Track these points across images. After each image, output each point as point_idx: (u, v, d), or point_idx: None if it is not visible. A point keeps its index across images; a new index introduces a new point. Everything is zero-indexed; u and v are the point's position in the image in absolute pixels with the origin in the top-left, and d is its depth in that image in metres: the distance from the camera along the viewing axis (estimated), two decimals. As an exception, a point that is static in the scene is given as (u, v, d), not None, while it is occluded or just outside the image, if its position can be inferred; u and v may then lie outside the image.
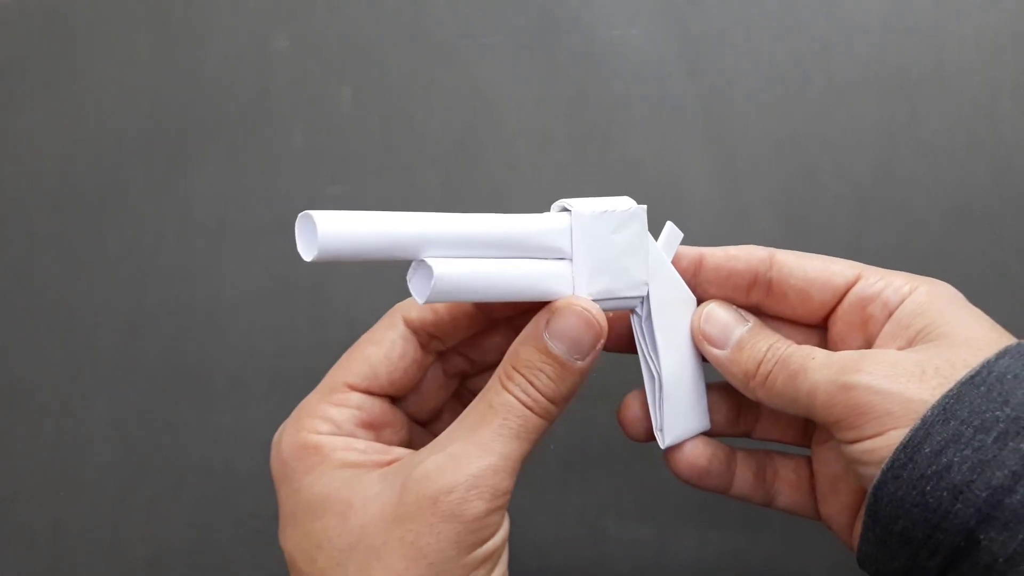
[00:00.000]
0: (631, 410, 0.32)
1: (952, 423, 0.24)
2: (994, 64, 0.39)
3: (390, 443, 0.30)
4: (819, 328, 0.31)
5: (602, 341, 0.28)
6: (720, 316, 0.30)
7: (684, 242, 0.31)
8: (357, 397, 0.29)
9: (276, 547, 0.40)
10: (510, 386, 0.27)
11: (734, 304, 0.31)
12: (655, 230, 0.30)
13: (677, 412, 0.31)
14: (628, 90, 0.41)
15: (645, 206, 0.30)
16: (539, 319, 0.28)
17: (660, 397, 0.31)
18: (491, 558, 0.27)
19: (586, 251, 0.28)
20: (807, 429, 0.33)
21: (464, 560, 0.26)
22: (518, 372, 0.27)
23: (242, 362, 0.40)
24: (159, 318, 0.41)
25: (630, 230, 0.29)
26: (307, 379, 0.40)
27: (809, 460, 0.32)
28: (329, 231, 0.24)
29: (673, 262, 0.31)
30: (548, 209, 0.29)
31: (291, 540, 0.28)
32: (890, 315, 0.29)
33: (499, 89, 0.41)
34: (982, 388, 0.24)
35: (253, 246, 0.41)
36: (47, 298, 0.41)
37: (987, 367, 0.25)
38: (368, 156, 0.41)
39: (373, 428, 0.30)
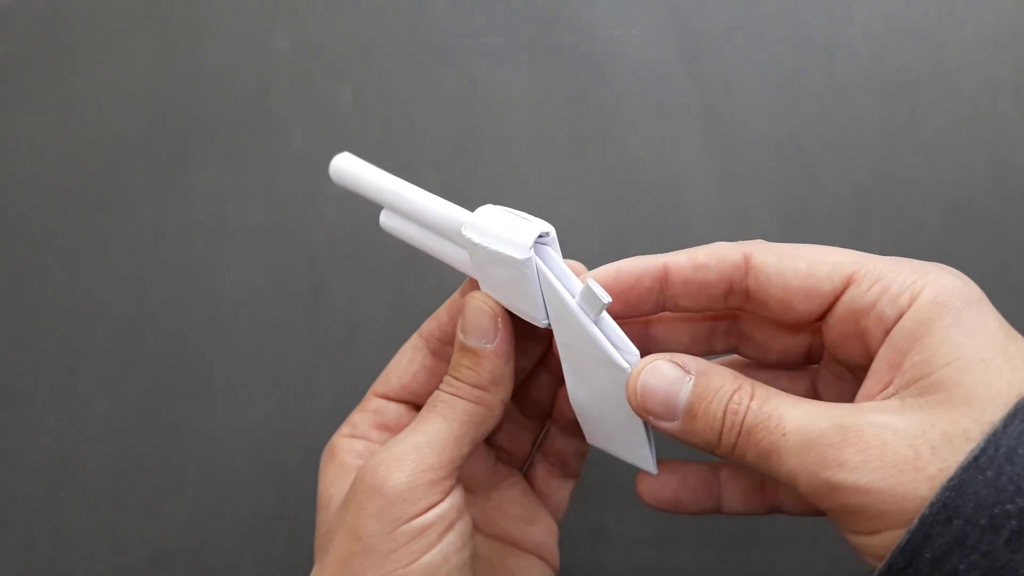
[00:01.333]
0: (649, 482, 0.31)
1: (955, 523, 0.21)
2: (994, 64, 0.39)
3: None
4: (812, 330, 0.29)
5: (501, 319, 0.28)
6: (658, 384, 0.26)
7: (682, 243, 0.29)
8: (376, 402, 0.32)
9: (276, 547, 0.40)
10: (441, 386, 0.29)
11: (710, 310, 0.29)
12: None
13: (595, 427, 0.30)
14: (628, 90, 0.41)
15: (528, 256, 0.26)
16: (458, 326, 0.29)
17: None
18: (423, 534, 0.26)
19: (477, 263, 0.28)
20: None
21: (393, 534, 0.26)
22: (448, 374, 0.29)
23: (242, 362, 0.40)
24: (159, 318, 0.41)
25: (507, 269, 0.27)
26: (307, 379, 0.40)
27: None
28: (341, 164, 0.32)
29: (633, 283, 0.28)
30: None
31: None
32: (887, 332, 0.25)
33: (499, 89, 0.41)
34: (988, 473, 0.21)
35: (253, 246, 0.41)
36: (47, 298, 0.41)
37: (993, 441, 0.21)
38: (368, 156, 0.41)
39: (388, 429, 0.32)
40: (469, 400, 0.28)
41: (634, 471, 0.32)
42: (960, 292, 0.24)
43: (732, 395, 0.25)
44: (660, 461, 0.30)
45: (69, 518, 0.40)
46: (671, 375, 0.26)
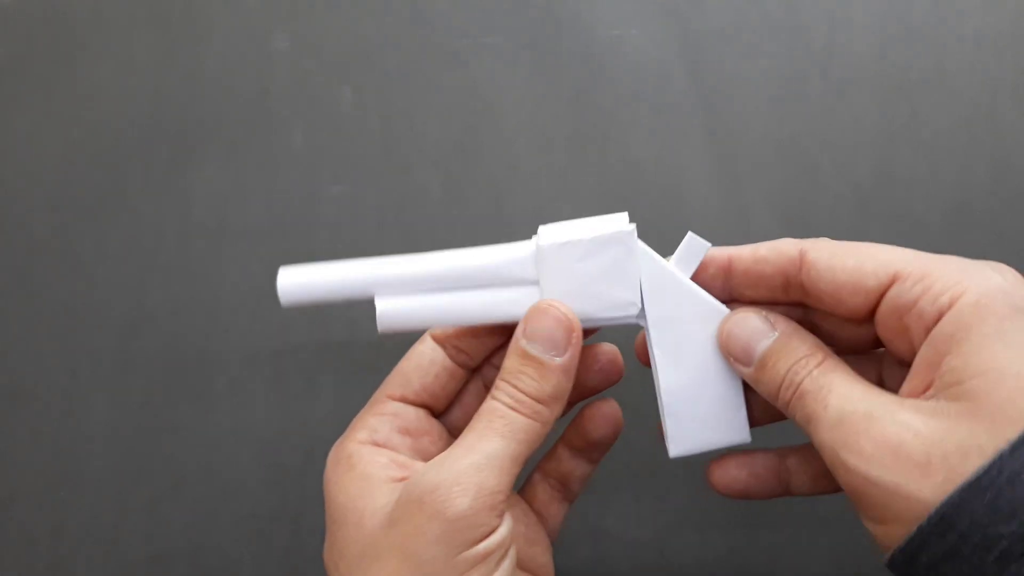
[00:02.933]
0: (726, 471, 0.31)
1: (949, 536, 0.22)
2: (994, 64, 0.39)
3: (428, 452, 0.30)
4: (870, 321, 0.29)
5: (576, 334, 0.28)
6: (742, 331, 0.28)
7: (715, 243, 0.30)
8: (394, 405, 0.31)
9: (276, 547, 0.40)
10: (496, 393, 0.28)
11: (775, 304, 0.30)
12: (664, 237, 0.30)
13: (685, 424, 0.30)
14: (628, 90, 0.41)
15: (633, 226, 0.29)
16: (517, 329, 0.29)
17: (662, 409, 0.30)
18: (484, 561, 0.26)
19: (552, 279, 0.29)
20: None
21: (454, 560, 0.25)
22: (504, 381, 0.28)
23: (242, 362, 0.40)
24: (159, 318, 0.41)
25: (606, 255, 0.29)
26: (307, 379, 0.40)
27: None
28: (287, 283, 0.29)
29: (700, 269, 0.30)
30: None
31: (326, 551, 0.29)
32: (927, 331, 0.25)
33: (499, 89, 0.41)
34: (988, 495, 0.22)
35: (253, 246, 0.41)
36: (47, 298, 0.41)
37: (998, 464, 0.22)
38: (368, 156, 0.41)
39: (410, 435, 0.31)
40: (528, 416, 0.27)
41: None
42: (1006, 297, 0.24)
43: (801, 358, 0.27)
44: (728, 455, 0.31)
45: (69, 518, 0.40)
46: (756, 326, 0.28)
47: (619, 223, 0.29)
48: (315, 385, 0.40)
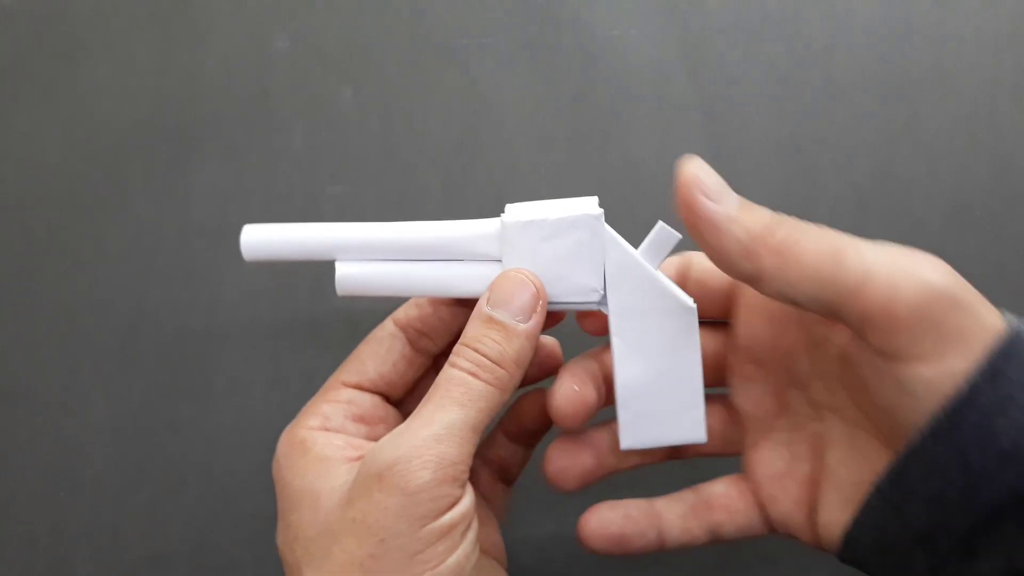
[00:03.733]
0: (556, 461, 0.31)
1: (1000, 384, 0.22)
2: (994, 64, 0.39)
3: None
4: None
5: (542, 302, 0.28)
6: (711, 174, 0.26)
7: (682, 244, 0.30)
8: (348, 392, 0.30)
9: (276, 547, 0.40)
10: (455, 359, 0.27)
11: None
12: (650, 230, 0.29)
13: (640, 417, 0.30)
14: (628, 90, 0.41)
15: (600, 211, 0.29)
16: (481, 299, 0.28)
17: (617, 399, 0.30)
18: (449, 533, 0.25)
19: (513, 258, 0.29)
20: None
21: (418, 534, 0.25)
22: (464, 346, 0.28)
23: (242, 362, 0.40)
24: (159, 318, 0.41)
25: (570, 237, 0.29)
26: (307, 379, 0.40)
27: (738, 476, 0.31)
28: (250, 239, 0.30)
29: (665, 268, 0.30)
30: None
31: (279, 535, 0.29)
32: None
33: (499, 89, 0.41)
34: (1022, 346, 0.22)
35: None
36: (47, 298, 0.41)
37: (1015, 326, 0.23)
38: (368, 156, 0.41)
39: (364, 422, 0.30)
40: (488, 382, 0.27)
41: (634, 470, 0.32)
42: (945, 297, 0.25)
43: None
44: (597, 504, 0.31)
45: (69, 518, 0.40)
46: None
47: (587, 206, 0.29)
48: (315, 385, 0.40)
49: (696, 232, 0.26)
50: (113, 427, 0.41)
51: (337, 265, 0.30)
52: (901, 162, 0.39)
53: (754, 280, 0.25)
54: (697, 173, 0.26)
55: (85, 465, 0.40)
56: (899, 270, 0.23)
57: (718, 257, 0.26)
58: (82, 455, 0.40)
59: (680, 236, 0.29)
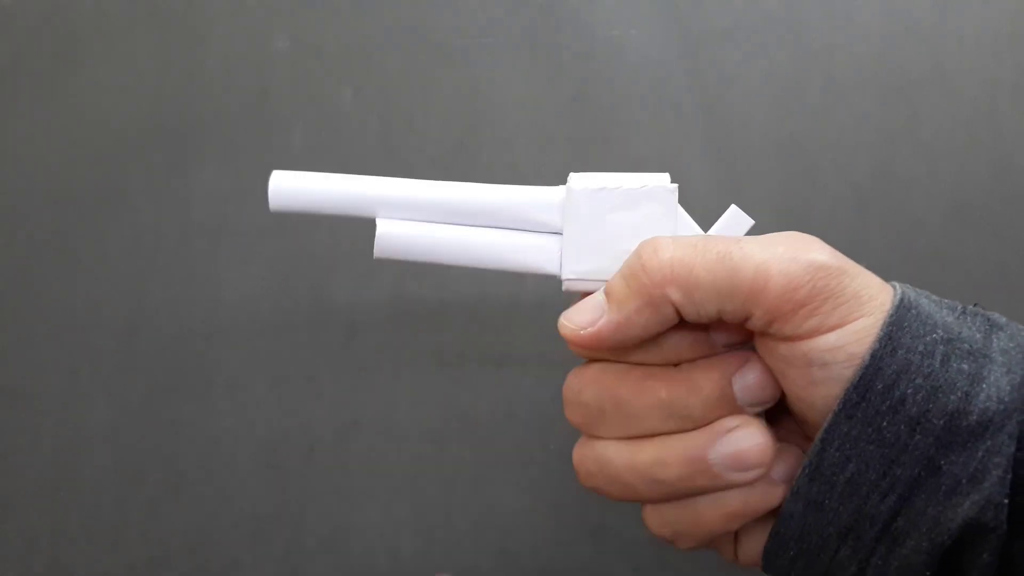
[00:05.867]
0: None
1: (899, 352, 0.23)
2: (994, 64, 0.39)
3: None
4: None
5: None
6: (578, 308, 0.27)
7: None
8: None
9: (276, 547, 0.40)
10: None
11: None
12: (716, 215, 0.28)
13: None
14: (628, 90, 0.41)
15: (676, 186, 0.27)
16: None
17: None
18: None
19: (576, 228, 0.27)
20: None
21: None
22: None
23: (242, 362, 0.40)
24: (159, 318, 0.41)
25: (640, 210, 0.27)
26: (307, 379, 0.40)
27: None
28: (279, 185, 0.28)
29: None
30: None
31: None
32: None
33: (499, 89, 0.41)
34: (913, 312, 0.24)
35: (253, 246, 0.41)
36: (47, 298, 0.41)
37: (905, 293, 0.24)
38: (368, 156, 0.41)
39: None
40: None
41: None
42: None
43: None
44: None
45: (69, 518, 0.40)
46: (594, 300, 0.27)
47: (661, 180, 0.27)
48: (315, 385, 0.40)
49: (616, 335, 0.26)
50: (113, 427, 0.41)
51: (378, 222, 0.27)
52: (901, 162, 0.39)
53: (680, 314, 0.26)
54: (567, 325, 0.26)
55: (85, 465, 0.40)
56: (787, 260, 0.24)
57: (633, 327, 0.26)
58: (82, 455, 0.40)
59: (753, 221, 0.28)
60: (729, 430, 0.26)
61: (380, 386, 0.40)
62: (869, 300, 0.24)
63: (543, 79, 0.41)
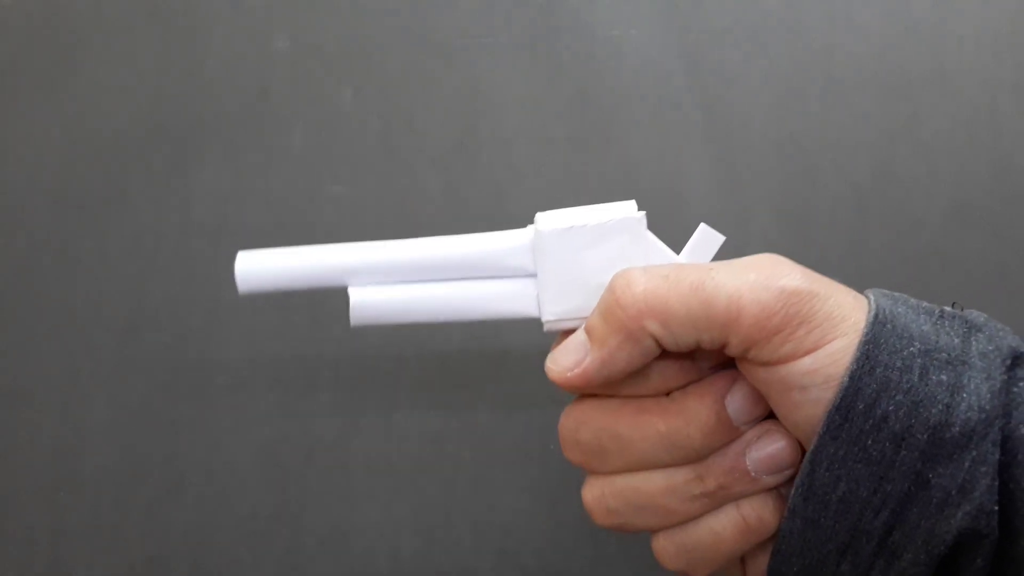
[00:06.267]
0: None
1: (878, 370, 0.24)
2: (994, 64, 0.39)
3: None
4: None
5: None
6: (563, 350, 0.27)
7: (682, 243, 0.29)
8: None
9: (276, 547, 0.40)
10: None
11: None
12: (664, 237, 0.28)
13: None
14: (628, 90, 0.41)
15: (643, 214, 0.27)
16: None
17: None
18: None
19: (550, 269, 0.27)
20: None
21: None
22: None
23: (242, 362, 0.40)
24: (159, 318, 0.41)
25: (611, 244, 0.27)
26: (307, 379, 0.40)
27: None
28: (246, 268, 0.27)
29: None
30: (546, 210, 0.29)
31: None
32: None
33: (499, 89, 0.41)
34: (888, 327, 0.24)
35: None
36: (47, 298, 0.41)
37: (879, 307, 0.24)
38: (368, 156, 0.41)
39: None
40: None
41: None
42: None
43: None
44: None
45: (69, 518, 0.40)
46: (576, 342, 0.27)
47: (626, 209, 0.27)
48: (315, 385, 0.40)
49: (602, 372, 0.26)
50: (113, 427, 0.41)
51: (350, 292, 0.27)
52: (901, 162, 0.39)
53: (660, 345, 0.26)
54: (553, 369, 0.27)
55: (85, 465, 0.40)
56: (759, 288, 0.25)
57: (617, 362, 0.26)
58: (82, 455, 0.40)
59: (724, 237, 0.28)
60: (759, 436, 0.26)
61: (380, 386, 0.40)
62: (842, 320, 0.24)
63: (543, 79, 0.41)
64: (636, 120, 0.40)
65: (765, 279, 0.25)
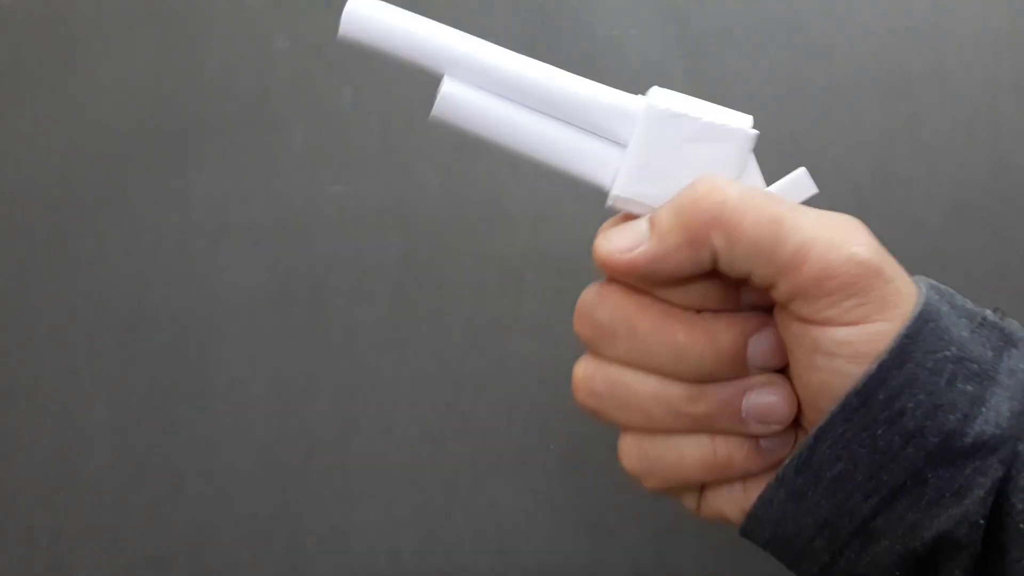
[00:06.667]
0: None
1: (908, 366, 0.23)
2: (994, 64, 0.39)
3: None
4: None
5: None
6: (619, 231, 0.26)
7: None
8: None
9: (276, 547, 0.40)
10: None
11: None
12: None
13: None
14: (628, 90, 0.41)
15: (756, 133, 0.26)
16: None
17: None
18: None
19: (644, 147, 0.26)
20: None
21: None
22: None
23: (242, 362, 0.40)
24: (159, 318, 0.41)
25: (714, 148, 0.26)
26: (307, 379, 0.40)
27: None
28: (355, 9, 0.25)
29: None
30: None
31: None
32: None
33: (499, 89, 0.41)
34: (930, 325, 0.24)
35: (253, 246, 0.41)
36: (47, 298, 0.41)
37: (928, 302, 0.24)
38: (368, 156, 0.41)
39: None
40: None
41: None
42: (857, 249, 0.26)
43: None
44: None
45: (69, 518, 0.40)
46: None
47: (743, 122, 0.26)
48: (315, 385, 0.40)
49: (650, 267, 0.25)
50: (113, 427, 0.41)
51: (445, 80, 0.26)
52: (901, 162, 0.39)
53: (715, 263, 0.25)
54: (604, 246, 0.26)
55: (85, 465, 0.40)
56: (829, 247, 0.24)
57: (669, 262, 0.25)
58: (82, 455, 0.40)
59: (817, 191, 0.27)
60: (763, 384, 0.26)
61: (380, 386, 0.40)
62: (894, 307, 0.24)
63: (543, 79, 0.41)
64: (636, 120, 0.40)
65: (840, 241, 0.24)
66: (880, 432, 0.24)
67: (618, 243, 0.26)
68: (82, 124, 0.42)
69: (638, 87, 0.41)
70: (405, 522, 0.40)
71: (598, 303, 0.27)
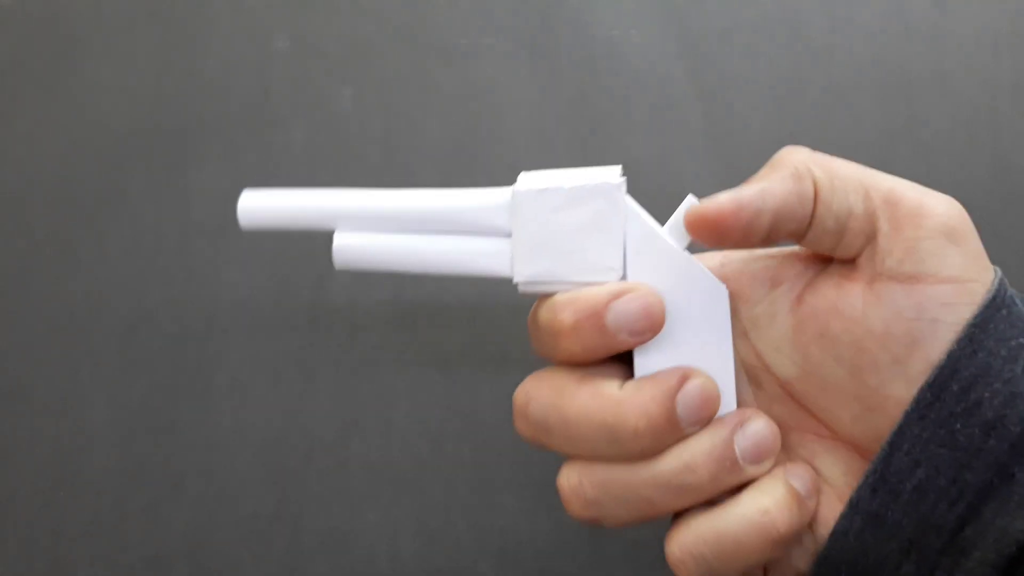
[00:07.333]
0: None
1: (980, 355, 0.22)
2: (994, 64, 0.39)
3: None
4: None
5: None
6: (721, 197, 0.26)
7: None
8: None
9: (276, 547, 0.40)
10: None
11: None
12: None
13: None
14: (628, 90, 0.41)
15: (623, 180, 0.26)
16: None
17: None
18: None
19: (525, 230, 0.26)
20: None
21: None
22: None
23: (242, 362, 0.40)
24: (159, 318, 0.41)
25: (586, 209, 0.26)
26: (307, 379, 0.40)
27: None
28: (248, 206, 0.28)
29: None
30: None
31: None
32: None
33: (499, 90, 0.41)
34: (1003, 312, 0.23)
35: (253, 246, 0.41)
36: (47, 298, 0.41)
37: (1002, 287, 0.23)
38: (368, 156, 0.41)
39: None
40: None
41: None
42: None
43: None
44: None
45: (69, 518, 0.40)
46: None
47: (607, 175, 0.26)
48: (315, 385, 0.40)
49: (755, 203, 0.25)
50: (113, 427, 0.41)
51: (336, 235, 0.28)
52: (901, 162, 0.39)
53: (816, 199, 0.25)
54: (708, 204, 0.25)
55: (85, 465, 0.40)
56: (924, 192, 0.24)
57: (774, 196, 0.25)
58: (82, 455, 0.40)
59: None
60: (743, 421, 0.25)
61: (380, 386, 0.40)
62: (985, 270, 0.24)
63: (543, 79, 0.41)
64: (636, 120, 0.40)
65: (932, 192, 0.25)
66: (958, 427, 0.22)
67: (720, 197, 0.25)
68: (82, 124, 0.42)
69: (638, 87, 0.41)
70: (405, 523, 0.40)
71: (527, 400, 0.27)
